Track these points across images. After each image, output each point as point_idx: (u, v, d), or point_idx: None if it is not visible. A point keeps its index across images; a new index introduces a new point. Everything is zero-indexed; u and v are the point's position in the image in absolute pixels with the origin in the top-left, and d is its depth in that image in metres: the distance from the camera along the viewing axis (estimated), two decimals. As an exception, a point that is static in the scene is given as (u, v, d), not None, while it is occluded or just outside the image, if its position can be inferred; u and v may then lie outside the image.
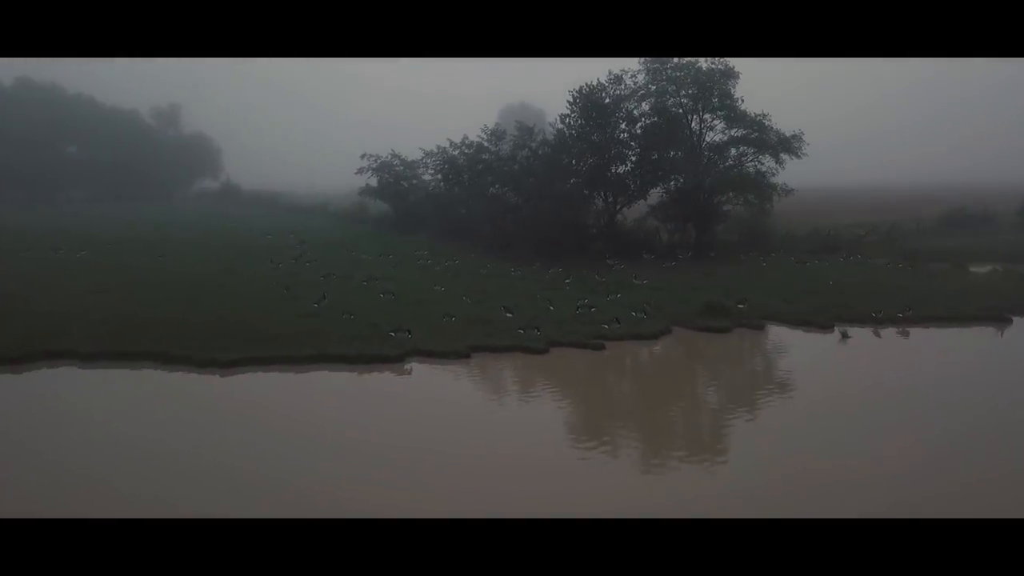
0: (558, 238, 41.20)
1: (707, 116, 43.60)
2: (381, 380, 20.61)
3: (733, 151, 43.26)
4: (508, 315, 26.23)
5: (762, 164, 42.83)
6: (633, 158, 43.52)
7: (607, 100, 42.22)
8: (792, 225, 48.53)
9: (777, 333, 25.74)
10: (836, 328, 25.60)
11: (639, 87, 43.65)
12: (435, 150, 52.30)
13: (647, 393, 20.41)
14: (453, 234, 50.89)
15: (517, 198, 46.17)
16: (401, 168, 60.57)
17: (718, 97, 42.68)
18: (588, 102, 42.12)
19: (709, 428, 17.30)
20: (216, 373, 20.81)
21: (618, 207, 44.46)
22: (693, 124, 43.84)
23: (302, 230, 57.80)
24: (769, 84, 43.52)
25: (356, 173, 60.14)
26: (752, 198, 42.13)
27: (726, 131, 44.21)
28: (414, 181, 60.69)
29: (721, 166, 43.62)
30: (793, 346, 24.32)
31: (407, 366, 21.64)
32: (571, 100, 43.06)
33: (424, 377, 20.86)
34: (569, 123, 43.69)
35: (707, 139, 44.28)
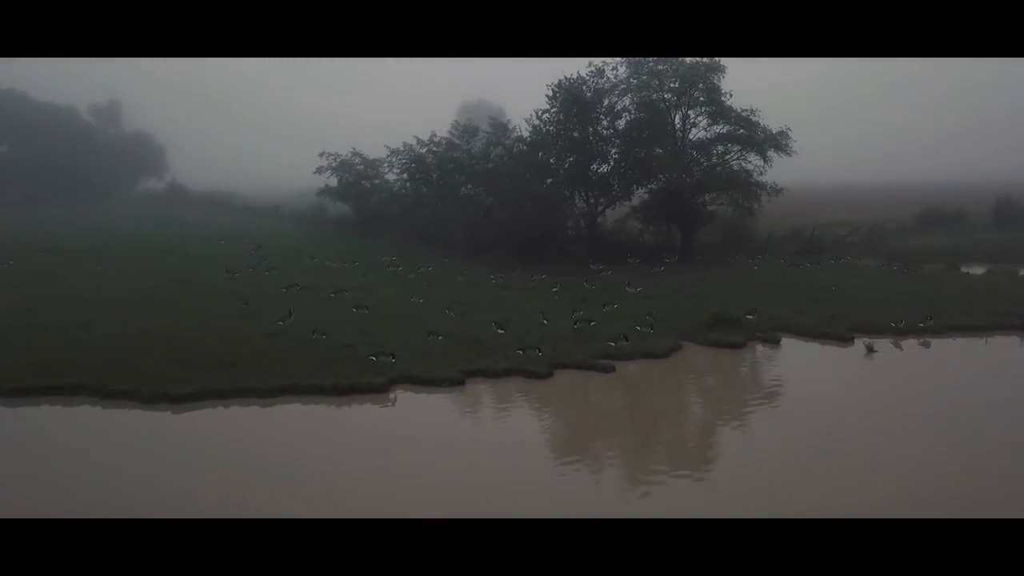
0: (538, 242, 38.54)
1: (691, 112, 41.40)
2: (364, 416, 17.67)
3: (720, 148, 41.04)
4: (500, 331, 23.51)
5: (749, 162, 40.82)
6: (616, 156, 41.03)
7: (588, 94, 39.64)
8: (769, 225, 46.74)
9: (794, 347, 23.51)
10: (856, 340, 23.58)
11: (620, 81, 41.21)
12: (401, 148, 49.11)
13: (684, 428, 17.69)
14: (421, 237, 47.84)
15: (492, 199, 43.40)
16: (362, 167, 57.13)
17: (703, 92, 40.50)
18: (569, 96, 39.52)
19: (784, 476, 14.45)
20: (167, 410, 17.70)
21: (601, 208, 41.99)
22: (677, 120, 41.58)
23: (257, 234, 53.97)
24: (736, 81, 41.04)
25: (315, 173, 56.48)
26: (740, 198, 40.05)
27: (709, 128, 42.10)
28: (376, 181, 57.32)
29: (705, 164, 41.46)
30: (818, 362, 22.10)
31: (392, 395, 18.78)
32: (551, 95, 40.43)
33: (414, 411, 17.97)
34: (548, 118, 41.06)
35: (692, 136, 42.08)
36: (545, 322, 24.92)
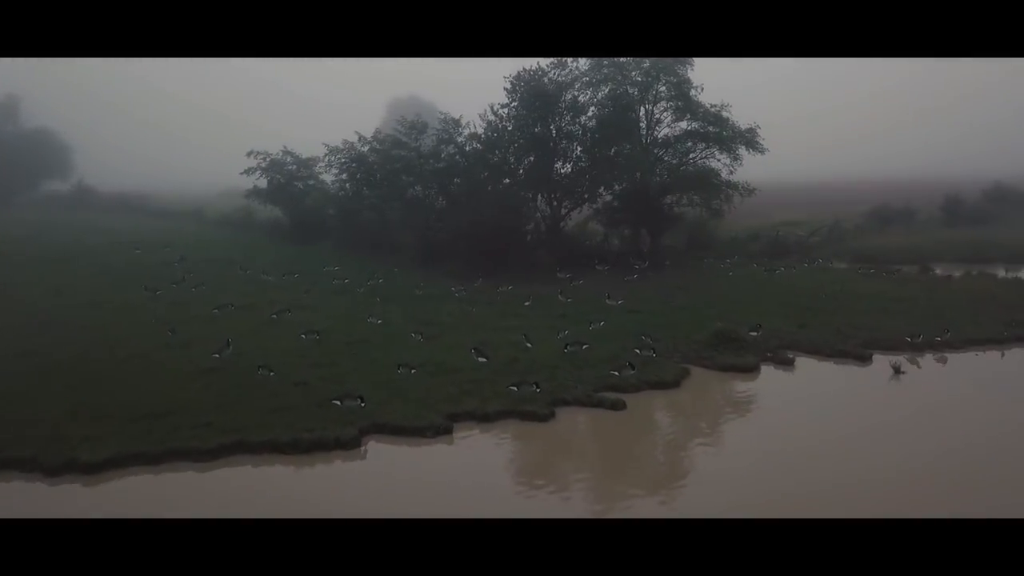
0: (499, 248, 35.26)
1: (658, 106, 38.81)
2: (335, 483, 14.11)
3: (689, 145, 38.54)
4: (481, 360, 20.18)
5: (718, 160, 38.54)
6: (581, 154, 38.05)
7: (550, 87, 36.50)
8: (724, 226, 44.65)
9: (810, 369, 21.01)
10: (874, 357, 21.31)
11: (583, 73, 38.24)
12: (341, 146, 44.85)
13: (741, 480, 14.66)
14: (364, 244, 43.78)
15: (444, 201, 39.85)
16: (295, 167, 52.57)
17: (669, 86, 37.99)
18: (529, 89, 36.32)
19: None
20: (77, 482, 13.80)
21: (565, 211, 39.00)
22: (641, 116, 38.87)
23: (178, 241, 48.72)
24: (702, 76, 38.73)
25: (242, 173, 51.53)
26: (711, 198, 37.72)
27: (674, 124, 39.63)
28: (311, 182, 52.86)
29: (673, 162, 38.96)
30: (845, 387, 19.55)
31: (363, 449, 15.30)
32: (509, 87, 37.13)
33: (398, 475, 14.47)
34: (506, 114, 37.77)
35: (658, 133, 39.50)
36: (529, 345, 21.72)
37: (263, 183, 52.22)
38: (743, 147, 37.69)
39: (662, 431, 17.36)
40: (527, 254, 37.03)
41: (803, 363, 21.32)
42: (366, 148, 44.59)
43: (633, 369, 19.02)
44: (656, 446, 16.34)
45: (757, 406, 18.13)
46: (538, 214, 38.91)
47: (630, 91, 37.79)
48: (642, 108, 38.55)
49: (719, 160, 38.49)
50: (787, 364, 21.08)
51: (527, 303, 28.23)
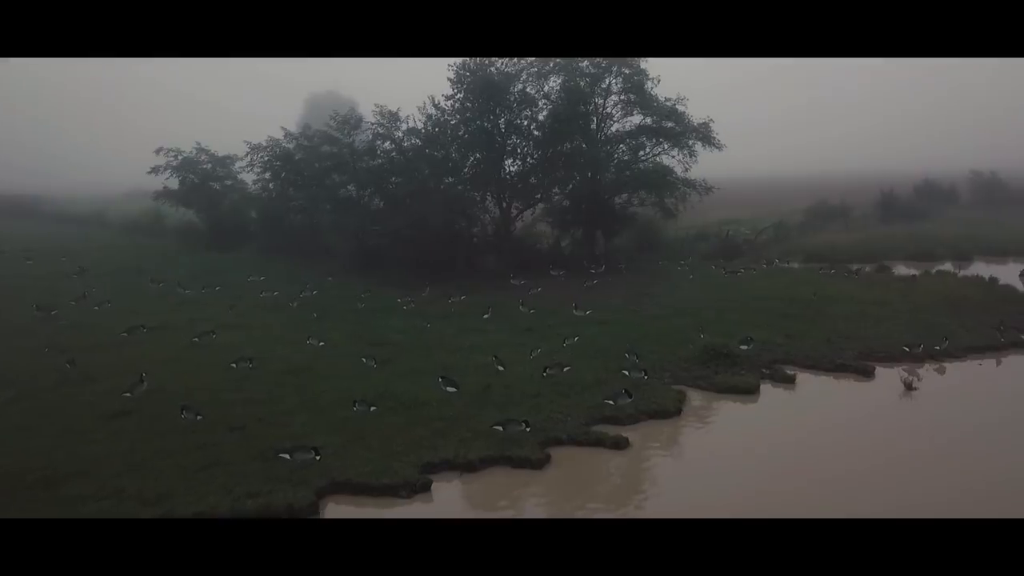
0: (446, 253, 32.35)
1: (610, 100, 36.59)
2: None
3: (643, 140, 36.43)
4: (450, 389, 17.30)
5: (673, 157, 36.67)
6: (531, 150, 35.38)
7: (498, 78, 33.67)
8: (668, 225, 42.90)
9: (814, 386, 19.02)
10: (875, 371, 19.58)
11: (531, 63, 35.61)
12: (264, 143, 40.74)
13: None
14: (292, 250, 39.97)
15: (381, 202, 36.54)
16: (210, 166, 48.04)
17: (626, 78, 35.82)
18: (476, 80, 33.42)
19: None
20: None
21: (517, 212, 36.29)
22: (592, 110, 36.55)
23: (78, 249, 43.54)
24: (655, 70, 36.84)
25: (150, 172, 46.65)
26: (667, 197, 35.78)
27: (622, 120, 37.52)
28: (229, 182, 48.46)
29: (624, 159, 36.80)
30: (860, 408, 17.50)
31: (321, 512, 12.29)
32: (453, 78, 34.11)
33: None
34: (450, 107, 34.78)
35: (610, 128, 37.27)
36: (501, 369, 18.96)
37: (174, 183, 47.55)
38: (699, 143, 35.86)
39: (682, 474, 14.81)
40: (475, 259, 34.19)
41: (804, 380, 19.29)
42: (292, 145, 40.72)
43: (630, 397, 16.51)
44: (683, 496, 13.80)
45: (777, 438, 15.81)
46: (487, 215, 36.09)
47: (580, 82, 35.42)
48: (592, 103, 36.19)
49: (673, 157, 36.63)
50: (787, 382, 19.03)
51: (486, 316, 25.43)
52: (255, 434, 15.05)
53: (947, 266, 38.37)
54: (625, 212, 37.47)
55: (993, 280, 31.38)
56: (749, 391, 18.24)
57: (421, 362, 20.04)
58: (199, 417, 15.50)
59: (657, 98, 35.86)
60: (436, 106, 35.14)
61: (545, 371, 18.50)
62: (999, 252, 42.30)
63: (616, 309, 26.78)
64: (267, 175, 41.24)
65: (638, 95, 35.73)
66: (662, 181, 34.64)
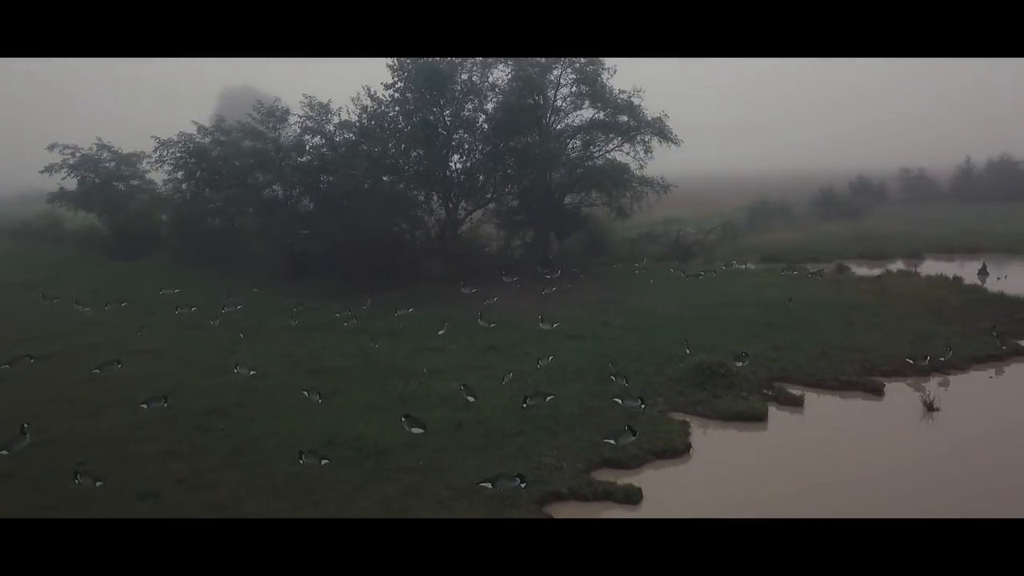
0: (387, 259, 29.22)
1: (561, 91, 34.09)
2: None
3: (600, 136, 34.07)
4: (416, 431, 14.38)
5: (627, 154, 34.50)
6: (478, 144, 32.45)
7: (442, 65, 30.58)
8: (615, 226, 40.97)
9: (825, 408, 16.93)
10: (884, 388, 17.68)
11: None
12: (175, 138, 36.35)
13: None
14: (209, 257, 35.89)
15: (312, 203, 33.00)
16: (114, 164, 43.15)
17: (574, 69, 33.40)
18: (418, 68, 30.24)
19: None
20: None
21: (465, 214, 33.33)
22: (544, 102, 33.96)
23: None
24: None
25: (42, 171, 41.42)
26: (622, 196, 33.56)
27: (574, 114, 35.12)
28: (136, 182, 43.66)
29: (573, 155, 34.36)
30: (891, 433, 15.41)
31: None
32: (393, 64, 30.83)
33: None
34: (390, 97, 31.55)
35: (560, 123, 34.77)
36: (471, 399, 16.15)
37: (72, 183, 42.47)
38: (656, 138, 33.79)
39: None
40: (420, 265, 31.12)
41: (812, 401, 17.16)
42: (208, 140, 36.55)
43: (634, 435, 13.96)
44: None
45: (806, 477, 13.48)
46: (431, 217, 33.03)
47: (531, 71, 32.78)
48: (543, 94, 33.61)
49: (627, 153, 34.46)
50: (795, 404, 16.88)
51: (441, 332, 22.49)
52: (173, 501, 11.79)
53: (899, 264, 37.65)
54: (578, 212, 35.07)
55: (958, 280, 30.51)
56: (758, 418, 15.99)
57: (375, 394, 17.01)
58: (99, 484, 12.08)
59: (611, 90, 33.56)
60: (372, 97, 31.88)
61: (525, 402, 15.78)
62: (944, 249, 42.05)
63: (583, 321, 24.26)
64: (179, 174, 36.90)
65: (591, 87, 33.33)
66: (619, 179, 32.34)
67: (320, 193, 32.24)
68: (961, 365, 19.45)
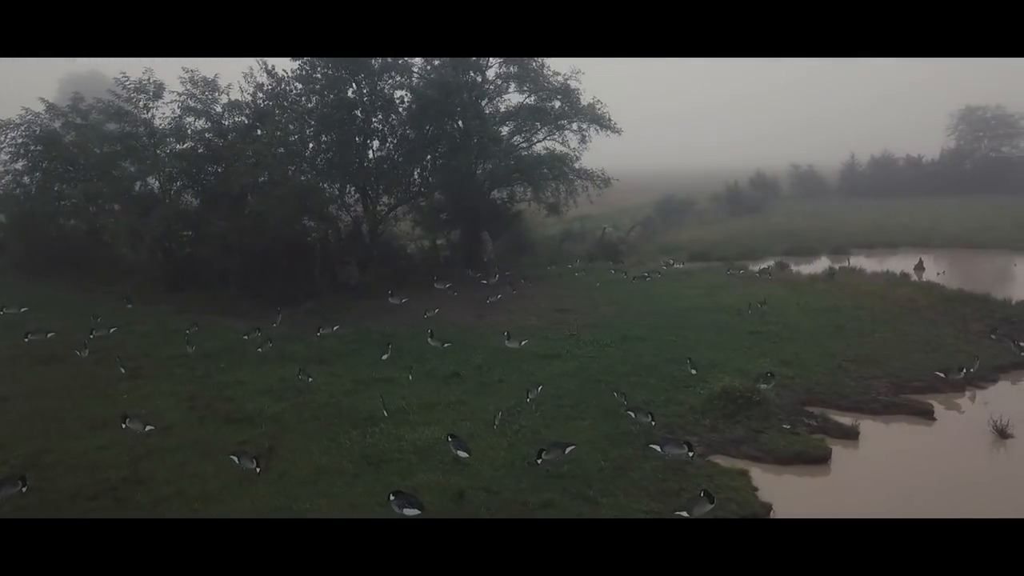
0: (295, 266, 24.44)
1: (489, 72, 30.21)
2: None
3: (528, 123, 30.50)
4: (409, 512, 10.31)
5: (560, 143, 31.25)
6: (406, 129, 27.96)
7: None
8: (535, 224, 37.97)
9: (880, 438, 14.18)
10: (931, 409, 15.29)
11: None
12: (16, 119, 29.37)
13: None
14: (64, 266, 29.33)
15: (196, 199, 27.48)
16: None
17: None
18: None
19: None
20: None
21: (387, 211, 28.73)
22: (480, 79, 29.95)
23: None
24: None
25: None
26: (559, 191, 30.26)
27: (498, 99, 31.46)
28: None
29: (515, 145, 30.70)
30: (978, 470, 12.88)
31: None
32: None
33: None
34: (292, 73, 26.56)
35: (491, 106, 30.92)
36: (463, 455, 12.18)
37: None
38: (594, 127, 30.73)
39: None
40: (336, 271, 26.38)
41: (867, 432, 14.34)
42: (59, 123, 29.89)
43: (711, 502, 10.52)
44: None
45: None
46: (347, 214, 28.26)
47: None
48: (482, 73, 29.70)
49: (559, 143, 31.24)
50: (848, 437, 14.04)
51: (385, 356, 18.18)
52: None
53: (825, 260, 36.77)
54: (508, 209, 31.47)
55: (905, 276, 29.52)
56: (821, 459, 13.02)
57: (326, 452, 12.66)
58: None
59: (542, 73, 30.13)
60: (270, 73, 26.75)
61: (540, 458, 11.98)
62: (863, 244, 41.84)
63: (547, 336, 20.66)
64: (20, 164, 30.02)
65: (520, 68, 29.76)
66: (558, 171, 28.99)
67: (206, 187, 26.79)
68: (990, 376, 17.46)
